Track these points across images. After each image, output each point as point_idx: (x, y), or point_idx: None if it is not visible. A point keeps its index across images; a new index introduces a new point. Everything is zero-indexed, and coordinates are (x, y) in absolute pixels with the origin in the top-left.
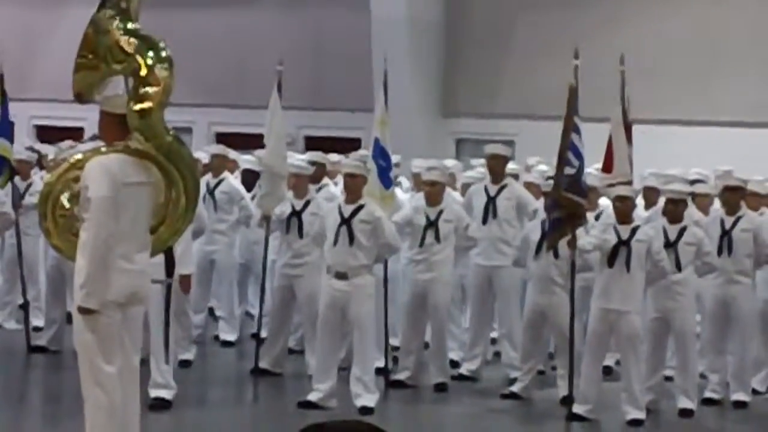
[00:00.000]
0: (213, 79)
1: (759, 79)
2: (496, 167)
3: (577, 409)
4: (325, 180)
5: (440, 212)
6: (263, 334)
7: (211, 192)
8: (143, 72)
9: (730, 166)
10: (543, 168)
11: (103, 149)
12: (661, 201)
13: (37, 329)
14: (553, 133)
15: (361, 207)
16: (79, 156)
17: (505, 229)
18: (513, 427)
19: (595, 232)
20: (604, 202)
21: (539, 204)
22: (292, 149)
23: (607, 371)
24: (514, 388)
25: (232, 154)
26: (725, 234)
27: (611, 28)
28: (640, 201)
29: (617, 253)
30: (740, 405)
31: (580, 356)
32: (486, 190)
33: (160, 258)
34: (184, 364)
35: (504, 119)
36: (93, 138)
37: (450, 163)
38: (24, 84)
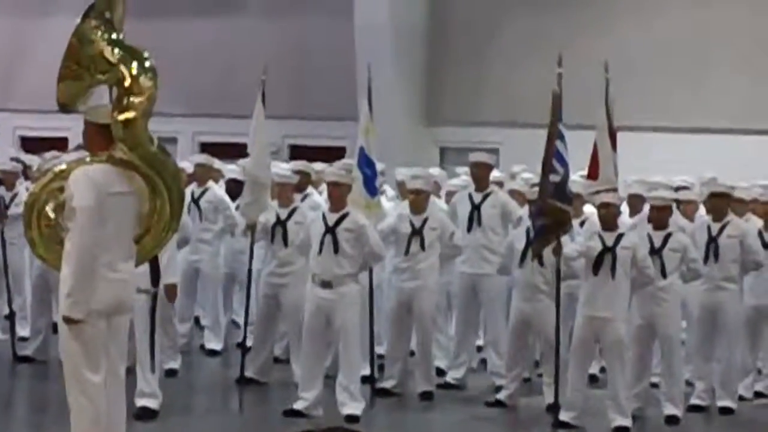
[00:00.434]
0: (197, 89)
1: (744, 87)
2: (480, 175)
3: (563, 416)
4: (310, 189)
5: (425, 220)
6: (249, 343)
7: (195, 201)
8: (127, 82)
9: (714, 173)
10: (527, 176)
11: (88, 159)
12: (646, 208)
13: (23, 339)
14: (537, 140)
15: (345, 215)
16: (64, 166)
17: (489, 236)
18: None
19: (580, 240)
20: (589, 210)
21: (524, 212)
22: (276, 158)
23: (593, 378)
24: (500, 396)
25: (217, 163)
26: (712, 241)
27: (596, 34)
28: (624, 208)
29: (602, 260)
30: (726, 411)
31: (565, 364)
32: (470, 198)
33: (145, 267)
34: (170, 373)
35: (488, 127)
36: (77, 148)
37: (434, 171)
38: (8, 94)
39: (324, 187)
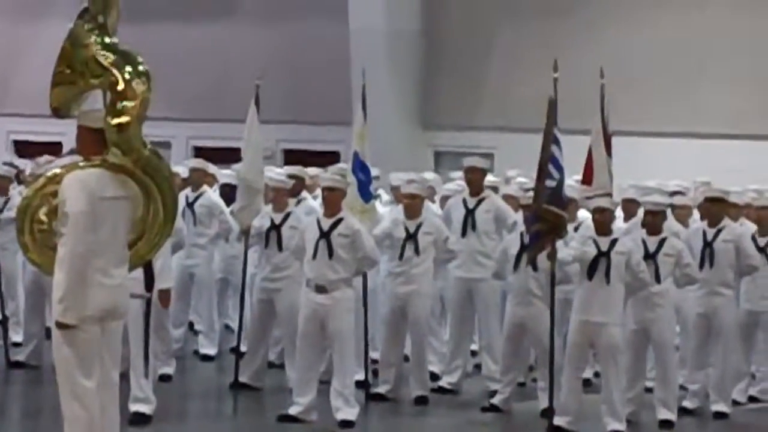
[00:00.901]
0: (191, 94)
1: (738, 91)
2: (474, 180)
3: (558, 421)
4: (304, 194)
5: (419, 225)
6: (243, 348)
7: (190, 206)
8: (120, 86)
9: (708, 178)
10: (522, 180)
11: (81, 164)
12: (641, 213)
13: (16, 344)
14: (532, 145)
15: (340, 220)
16: (57, 170)
17: (484, 241)
18: None
19: (575, 244)
20: (583, 214)
21: (518, 216)
22: (271, 163)
23: (587, 383)
24: (495, 401)
25: (211, 168)
26: (707, 246)
27: (591, 40)
28: (619, 213)
29: (597, 265)
30: (720, 416)
31: (560, 368)
32: (465, 202)
33: (139, 272)
34: (164, 378)
35: (483, 131)
36: (71, 152)
37: (429, 176)
38: (1, 99)
39: (318, 191)
